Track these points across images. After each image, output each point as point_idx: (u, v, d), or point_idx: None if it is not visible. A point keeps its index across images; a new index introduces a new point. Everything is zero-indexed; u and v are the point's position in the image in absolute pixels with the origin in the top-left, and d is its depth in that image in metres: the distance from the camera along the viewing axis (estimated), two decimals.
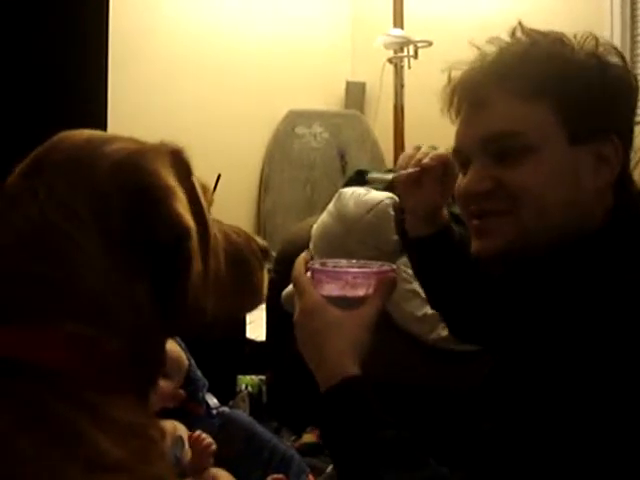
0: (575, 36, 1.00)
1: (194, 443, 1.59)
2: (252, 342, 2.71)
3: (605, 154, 0.97)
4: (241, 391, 2.50)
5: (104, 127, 2.14)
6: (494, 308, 1.12)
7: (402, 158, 1.25)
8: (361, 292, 1.04)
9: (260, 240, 0.94)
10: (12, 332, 0.71)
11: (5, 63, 2.01)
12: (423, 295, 2.05)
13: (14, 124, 1.96)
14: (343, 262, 1.11)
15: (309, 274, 1.07)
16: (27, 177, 0.78)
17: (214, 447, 1.61)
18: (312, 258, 1.10)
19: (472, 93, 1.02)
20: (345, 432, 0.96)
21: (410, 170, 1.20)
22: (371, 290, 1.04)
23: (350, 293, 1.04)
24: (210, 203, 0.86)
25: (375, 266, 1.08)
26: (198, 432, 1.62)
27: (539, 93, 0.97)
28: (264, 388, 2.57)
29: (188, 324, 0.81)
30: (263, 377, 2.59)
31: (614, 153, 0.97)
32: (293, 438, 2.18)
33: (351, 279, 1.05)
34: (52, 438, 0.67)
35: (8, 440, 0.65)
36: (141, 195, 0.76)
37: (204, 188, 0.85)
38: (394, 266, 1.08)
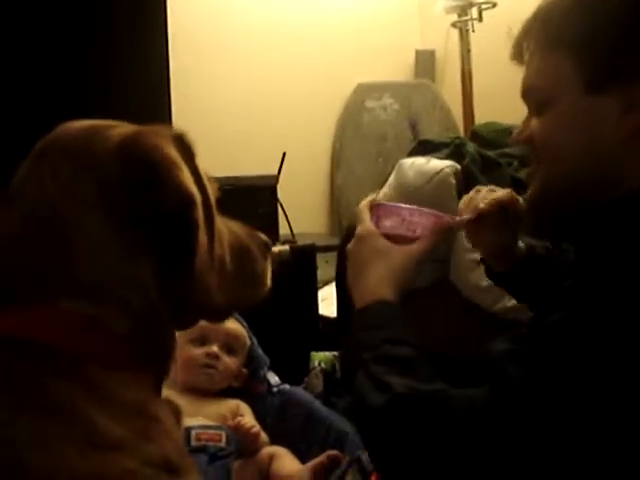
0: None
1: (236, 430, 1.60)
2: (325, 318, 2.71)
3: (636, 96, 0.89)
4: (315, 368, 2.50)
5: (168, 102, 2.16)
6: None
7: (462, 201, 1.21)
8: (417, 231, 1.07)
9: (262, 234, 0.96)
10: (11, 312, 0.73)
11: (73, 73, 2.11)
12: None
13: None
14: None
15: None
16: (33, 164, 0.80)
17: (257, 429, 1.63)
18: None
19: (522, 44, 1.01)
20: (364, 344, 0.98)
21: (466, 217, 1.16)
22: (427, 232, 1.07)
23: (406, 232, 1.07)
24: (216, 195, 0.86)
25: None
26: (238, 419, 1.64)
27: (558, 43, 0.94)
28: (337, 364, 2.57)
29: (195, 305, 0.81)
30: (336, 353, 2.59)
31: None
32: None
33: (408, 216, 1.08)
34: (50, 418, 0.67)
35: (6, 422, 0.67)
36: (145, 169, 0.77)
37: (210, 180, 0.85)
38: (456, 217, 1.12)
